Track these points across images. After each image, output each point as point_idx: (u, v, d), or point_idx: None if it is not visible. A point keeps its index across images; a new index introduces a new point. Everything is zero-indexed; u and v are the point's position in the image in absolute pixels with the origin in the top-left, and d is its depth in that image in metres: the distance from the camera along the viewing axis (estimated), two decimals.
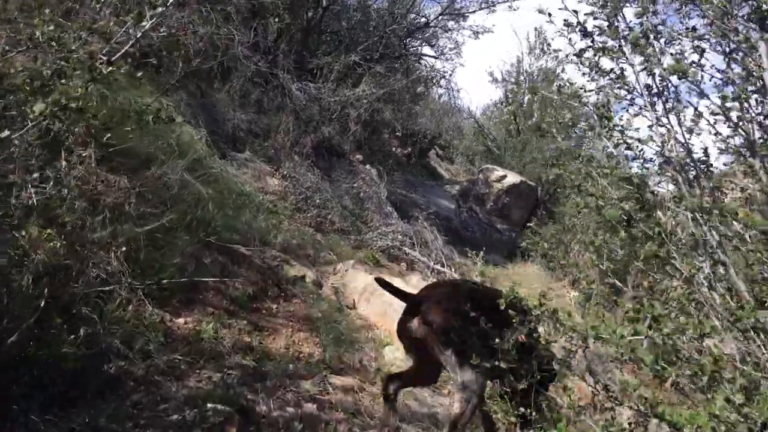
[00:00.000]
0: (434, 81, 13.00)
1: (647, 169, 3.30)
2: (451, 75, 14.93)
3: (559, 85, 4.18)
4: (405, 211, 11.64)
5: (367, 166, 10.91)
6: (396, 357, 5.44)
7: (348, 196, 9.81)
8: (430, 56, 12.47)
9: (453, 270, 8.44)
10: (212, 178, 7.49)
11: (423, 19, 11.77)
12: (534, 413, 3.54)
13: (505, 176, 17.74)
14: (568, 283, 10.22)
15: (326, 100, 10.30)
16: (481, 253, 9.21)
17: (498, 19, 33.52)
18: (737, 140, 3.10)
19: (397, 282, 8.35)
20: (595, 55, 3.36)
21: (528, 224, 19.87)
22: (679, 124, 3.14)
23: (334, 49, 10.52)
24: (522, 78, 21.41)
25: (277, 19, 9.87)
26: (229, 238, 6.01)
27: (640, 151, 3.27)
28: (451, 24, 11.87)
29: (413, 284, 8.00)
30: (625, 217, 3.20)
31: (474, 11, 11.77)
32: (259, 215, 7.35)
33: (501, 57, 56.59)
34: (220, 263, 5.45)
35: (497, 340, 3.24)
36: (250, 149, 9.46)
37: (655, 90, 3.17)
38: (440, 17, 11.81)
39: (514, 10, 12.01)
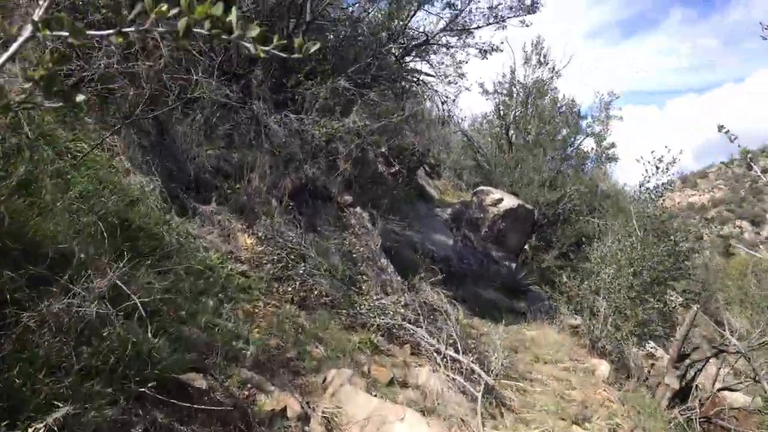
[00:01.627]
0: (440, 115, 11.23)
1: None
2: (455, 100, 13.20)
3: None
4: (402, 259, 9.85)
5: (358, 209, 9.08)
6: None
7: (337, 254, 7.97)
8: (429, 76, 10.70)
9: (471, 357, 6.66)
10: (164, 252, 5.65)
11: (422, 36, 9.97)
12: None
13: (501, 200, 16.04)
14: (593, 349, 8.54)
15: (309, 134, 8.44)
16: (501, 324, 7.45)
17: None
18: None
19: (400, 374, 6.62)
20: None
21: (523, 250, 18.31)
22: None
23: (320, 72, 8.65)
24: (515, 90, 19.72)
25: None
26: (179, 364, 4.16)
27: None
28: (454, 41, 10.11)
29: (423, 379, 6.25)
30: None
31: (480, 27, 9.96)
32: (224, 304, 5.51)
33: (493, 68, 55.34)
34: (159, 428, 3.59)
35: None
36: (218, 196, 7.58)
37: None
38: (442, 33, 10.03)
39: (527, 26, 10.25)
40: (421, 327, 6.86)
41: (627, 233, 8.36)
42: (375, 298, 7.11)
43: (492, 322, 9.90)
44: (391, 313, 6.88)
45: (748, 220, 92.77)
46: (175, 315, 4.79)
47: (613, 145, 17.08)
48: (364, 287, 7.30)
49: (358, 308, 6.84)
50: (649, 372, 8.21)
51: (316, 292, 6.71)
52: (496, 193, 16.18)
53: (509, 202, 15.99)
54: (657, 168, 9.15)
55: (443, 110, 12.18)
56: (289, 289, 6.61)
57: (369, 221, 9.03)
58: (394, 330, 6.82)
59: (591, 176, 17.41)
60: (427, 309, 7.21)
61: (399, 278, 8.76)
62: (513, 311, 13.47)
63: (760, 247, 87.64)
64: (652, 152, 9.11)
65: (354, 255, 7.75)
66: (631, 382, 7.92)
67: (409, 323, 6.90)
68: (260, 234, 7.06)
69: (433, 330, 6.91)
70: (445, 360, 6.61)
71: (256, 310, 5.97)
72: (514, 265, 15.32)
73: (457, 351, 6.70)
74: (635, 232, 8.23)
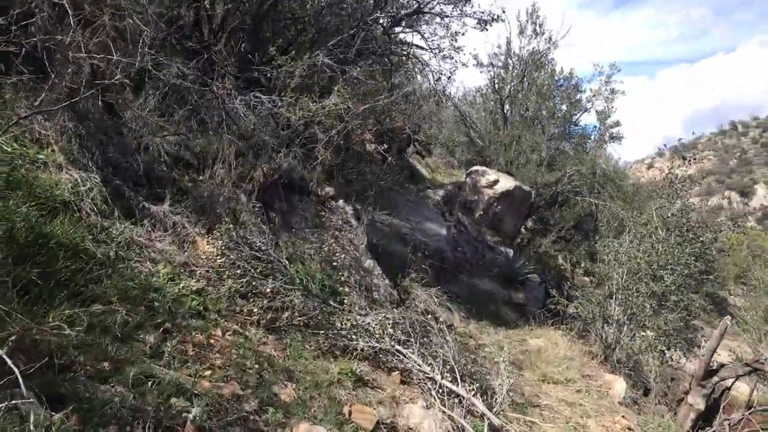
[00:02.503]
0: (433, 92, 10.03)
1: None
2: (450, 77, 12.03)
3: None
4: (391, 256, 8.73)
5: (341, 203, 7.91)
6: None
7: (316, 259, 6.83)
8: (422, 50, 9.43)
9: (470, 388, 5.56)
10: (91, 276, 4.51)
11: (414, 3, 8.67)
12: None
13: (496, 181, 14.91)
14: (606, 361, 7.50)
15: (284, 118, 7.23)
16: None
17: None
18: None
19: (387, 414, 5.51)
20: None
21: (519, 234, 17.22)
22: None
23: (295, 45, 7.40)
24: (511, 62, 18.42)
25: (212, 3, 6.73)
26: None
27: None
28: (449, 9, 8.83)
29: (415, 420, 5.16)
30: None
31: None
32: (169, 341, 4.38)
33: (486, 39, 53.49)
34: None
35: None
36: (174, 193, 6.40)
37: None
38: (436, 1, 8.76)
39: None
40: (413, 350, 5.75)
41: (647, 232, 7.26)
42: (359, 314, 5.99)
43: (491, 325, 8.85)
44: (378, 334, 5.78)
45: (737, 191, 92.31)
46: (94, 369, 3.67)
47: (617, 123, 15.92)
48: (346, 301, 6.18)
49: (338, 329, 5.73)
50: (668, 387, 7.19)
51: (288, 312, 5.58)
52: (491, 174, 15.04)
53: (505, 183, 14.88)
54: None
55: (437, 88, 10.94)
56: (255, 309, 5.48)
57: (353, 216, 7.88)
58: (381, 355, 5.72)
59: (592, 156, 16.29)
60: (419, 326, 6.10)
61: (387, 282, 7.66)
62: (511, 303, 12.45)
63: (749, 218, 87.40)
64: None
65: (335, 262, 6.60)
66: (651, 401, 6.90)
67: (399, 344, 5.80)
68: (223, 239, 5.90)
69: (426, 352, 5.81)
70: (441, 391, 5.53)
71: (212, 341, 4.84)
72: (510, 252, 14.26)
73: (454, 380, 5.61)
74: (656, 231, 7.14)
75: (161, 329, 4.56)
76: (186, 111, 7.00)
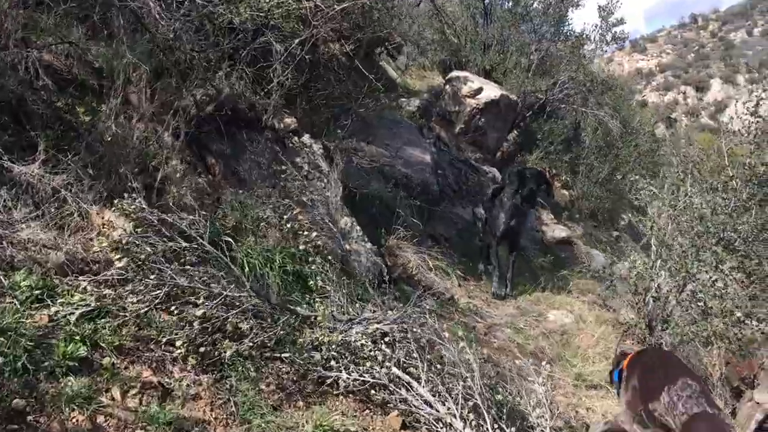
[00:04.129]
0: None
1: None
2: None
3: None
4: (371, 203, 6.74)
5: (306, 139, 5.77)
6: None
7: (272, 218, 4.79)
8: None
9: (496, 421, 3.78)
10: None
11: None
12: None
13: (480, 89, 12.73)
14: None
15: (224, 20, 4.95)
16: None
17: None
18: None
19: None
20: None
21: (501, 149, 15.20)
22: None
23: None
24: None
25: None
26: None
27: None
28: None
29: None
30: None
31: None
32: None
33: None
34: None
35: None
36: (55, 138, 4.19)
37: None
38: None
39: None
40: (419, 378, 3.89)
41: (714, 186, 5.40)
42: (337, 320, 4.06)
43: (492, 284, 7.09)
44: (367, 355, 3.87)
45: (693, 86, 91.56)
46: None
47: (621, 21, 13.65)
48: (317, 301, 4.22)
49: (307, 352, 3.81)
50: (723, 377, 5.61)
51: (227, 340, 3.59)
52: (474, 81, 12.83)
53: (490, 92, 12.72)
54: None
55: None
56: (185, 317, 3.49)
57: (323, 157, 5.78)
58: (374, 391, 3.85)
59: (590, 60, 14.19)
60: (424, 334, 4.18)
61: (369, 246, 5.70)
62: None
63: (702, 112, 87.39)
64: None
65: (301, 232, 4.55)
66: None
67: (398, 368, 3.92)
68: (134, 214, 3.77)
69: (437, 379, 3.94)
70: None
71: (102, 419, 2.87)
72: (497, 173, 12.37)
73: (479, 421, 3.80)
74: (728, 184, 5.29)
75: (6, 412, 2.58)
76: (75, 7, 4.62)
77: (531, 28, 14.11)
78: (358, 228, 5.66)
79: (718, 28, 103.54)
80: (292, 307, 3.94)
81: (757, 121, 5.31)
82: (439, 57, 17.60)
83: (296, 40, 5.23)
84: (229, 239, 4.28)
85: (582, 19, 31.10)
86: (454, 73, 13.17)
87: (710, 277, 5.25)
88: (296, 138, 5.69)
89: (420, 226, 7.34)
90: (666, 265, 5.57)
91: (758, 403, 5.51)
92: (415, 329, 4.08)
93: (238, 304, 3.73)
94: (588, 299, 7.25)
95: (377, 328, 3.96)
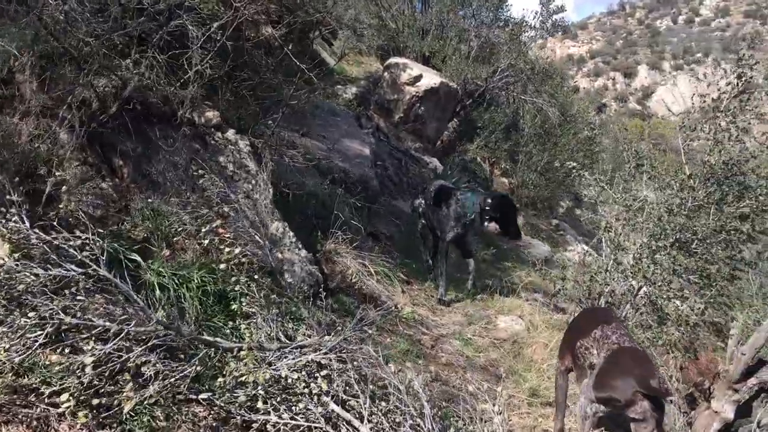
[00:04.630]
0: None
1: None
2: None
3: None
4: (306, 203, 6.15)
5: (231, 135, 5.13)
6: None
7: (191, 228, 4.17)
8: None
9: None
10: None
11: None
12: None
13: (420, 77, 12.26)
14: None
15: (131, 1, 4.25)
16: None
17: None
18: None
19: None
20: None
21: (441, 138, 14.77)
22: None
23: None
24: None
25: None
26: None
27: None
28: None
29: None
30: None
31: None
32: None
33: None
34: None
35: None
36: None
37: None
38: None
39: None
40: (361, 417, 3.37)
41: (670, 184, 5.08)
42: (265, 349, 3.49)
43: (437, 288, 6.64)
44: (300, 396, 3.32)
45: (621, 72, 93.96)
46: None
47: (562, 9, 13.38)
48: (243, 328, 3.63)
49: (229, 392, 3.24)
50: (677, 384, 5.35)
51: (129, 384, 2.98)
52: (413, 68, 12.35)
53: (430, 79, 12.27)
54: None
55: None
56: (65, 382, 2.86)
57: (250, 155, 5.15)
58: None
59: (530, 48, 13.90)
60: (363, 363, 3.66)
61: (303, 254, 5.14)
62: None
63: (630, 98, 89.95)
64: None
65: (221, 244, 3.95)
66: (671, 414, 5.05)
67: (336, 405, 3.39)
68: (11, 236, 3.09)
69: (382, 417, 3.44)
70: None
71: None
72: (437, 163, 11.96)
73: None
74: (685, 182, 4.97)
75: None
76: None
77: (470, 14, 13.71)
78: (291, 234, 5.08)
79: (645, 16, 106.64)
80: (210, 339, 3.34)
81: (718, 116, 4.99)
82: (376, 42, 17.04)
83: (216, 24, 4.58)
84: (137, 257, 3.65)
85: (521, 5, 31.00)
86: (393, 60, 12.64)
87: (666, 280, 4.94)
88: (219, 134, 5.04)
89: (360, 227, 6.81)
90: (619, 267, 5.23)
91: (716, 412, 5.26)
92: (355, 359, 3.55)
93: (145, 338, 3.12)
94: (536, 298, 6.90)
95: (313, 359, 3.41)
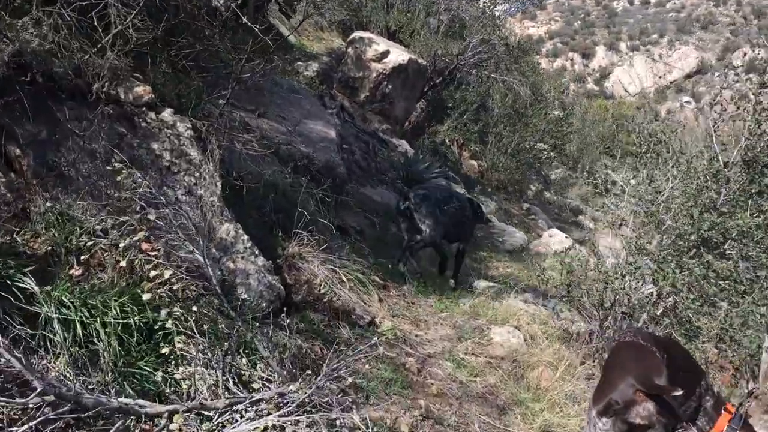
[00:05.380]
0: None
1: None
2: None
3: None
4: (264, 198, 5.15)
5: (168, 116, 4.09)
6: None
7: (114, 238, 3.16)
8: None
9: None
10: None
11: None
12: None
13: (387, 53, 11.26)
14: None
15: None
16: None
17: None
18: None
19: None
20: None
21: (409, 119, 13.77)
22: None
23: None
24: None
25: None
26: None
27: None
28: None
29: None
30: None
31: None
32: None
33: None
34: None
35: None
36: None
37: None
38: None
39: None
40: None
41: (713, 175, 4.25)
42: (210, 411, 2.54)
43: (416, 290, 5.75)
44: None
45: (579, 53, 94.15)
46: None
47: None
48: (178, 375, 2.67)
49: None
50: None
51: None
52: (380, 44, 11.33)
53: (398, 56, 11.28)
54: None
55: None
56: None
57: (192, 141, 4.13)
58: None
59: (503, 23, 13.01)
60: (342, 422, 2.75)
61: (261, 262, 4.16)
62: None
63: (588, 78, 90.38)
64: None
65: (148, 262, 2.96)
66: None
67: None
68: None
69: None
70: None
71: None
72: (406, 146, 11.04)
73: None
74: (724, 172, 4.15)
75: None
76: None
77: None
78: (245, 237, 4.10)
79: None
80: (127, 403, 2.37)
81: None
82: (337, 17, 15.94)
83: None
84: (31, 282, 2.65)
85: None
86: (357, 34, 11.60)
87: (694, 288, 4.14)
88: (152, 114, 4.00)
89: (329, 223, 5.85)
90: (637, 272, 4.41)
91: None
92: (330, 414, 2.63)
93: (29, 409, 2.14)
94: (527, 299, 6.07)
95: (274, 424, 2.48)
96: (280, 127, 6.86)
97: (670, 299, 4.18)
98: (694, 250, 4.17)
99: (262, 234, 4.73)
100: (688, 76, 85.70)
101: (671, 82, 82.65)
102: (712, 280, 4.11)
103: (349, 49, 11.36)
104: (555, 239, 11.73)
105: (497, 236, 11.51)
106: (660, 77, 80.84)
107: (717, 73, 79.49)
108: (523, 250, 11.41)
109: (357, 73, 11.21)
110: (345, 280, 4.64)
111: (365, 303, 4.75)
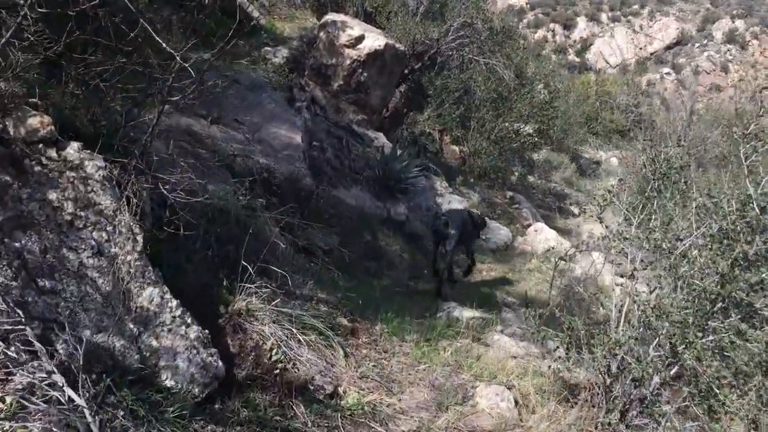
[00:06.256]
0: None
1: None
2: None
3: None
4: (202, 230, 4.31)
5: (72, 153, 3.22)
6: None
7: None
8: None
9: None
10: None
11: None
12: None
13: (362, 37, 10.33)
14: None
15: None
16: None
17: None
18: None
19: None
20: None
21: (387, 108, 12.81)
22: None
23: None
24: None
25: None
26: None
27: None
28: None
29: None
30: None
31: None
32: None
33: None
34: None
35: None
36: None
37: None
38: None
39: None
40: None
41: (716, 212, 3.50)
42: None
43: (389, 330, 4.97)
44: None
45: (560, 24, 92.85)
46: None
47: None
48: None
49: None
50: None
51: None
52: (354, 28, 10.39)
53: (374, 41, 10.35)
54: None
55: None
56: None
57: (107, 184, 3.27)
58: None
59: (486, 4, 12.06)
60: None
61: (195, 330, 3.34)
62: (391, 223, 8.65)
63: (569, 50, 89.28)
64: None
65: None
66: None
67: None
68: None
69: None
70: None
71: None
72: (384, 141, 10.19)
73: None
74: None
75: None
76: None
77: None
78: (173, 303, 3.27)
79: None
80: None
81: None
82: None
83: None
84: None
85: None
86: (330, 17, 10.62)
87: (718, 360, 3.43)
88: (53, 152, 3.14)
89: (291, 245, 5.06)
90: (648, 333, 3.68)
91: None
92: None
93: None
94: (516, 332, 5.35)
95: None
96: (237, 134, 5.99)
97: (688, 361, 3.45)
98: (722, 309, 3.44)
99: (203, 282, 3.91)
100: (668, 48, 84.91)
101: (652, 54, 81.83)
102: (740, 348, 3.39)
103: (321, 34, 10.40)
104: (540, 236, 11.05)
105: (481, 234, 10.77)
106: (641, 48, 79.95)
107: (697, 45, 78.76)
108: (507, 248, 10.73)
109: (330, 60, 10.28)
110: (302, 340, 3.85)
111: (328, 362, 3.98)
